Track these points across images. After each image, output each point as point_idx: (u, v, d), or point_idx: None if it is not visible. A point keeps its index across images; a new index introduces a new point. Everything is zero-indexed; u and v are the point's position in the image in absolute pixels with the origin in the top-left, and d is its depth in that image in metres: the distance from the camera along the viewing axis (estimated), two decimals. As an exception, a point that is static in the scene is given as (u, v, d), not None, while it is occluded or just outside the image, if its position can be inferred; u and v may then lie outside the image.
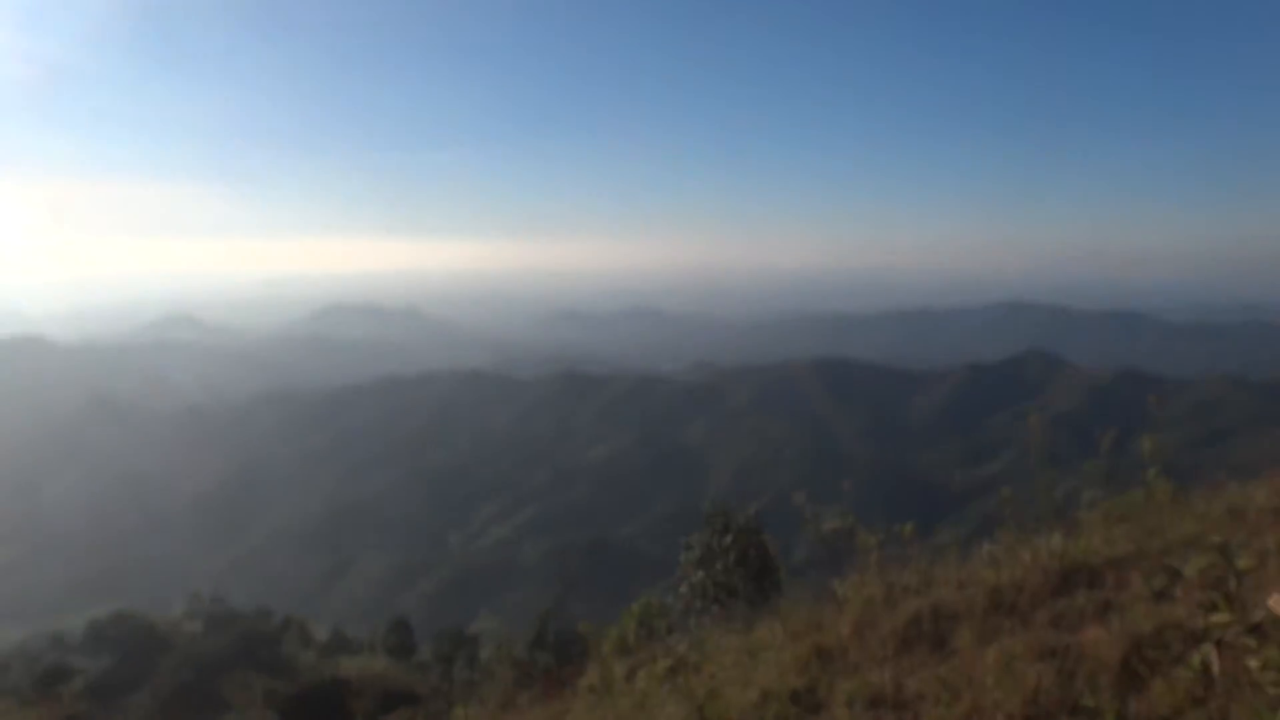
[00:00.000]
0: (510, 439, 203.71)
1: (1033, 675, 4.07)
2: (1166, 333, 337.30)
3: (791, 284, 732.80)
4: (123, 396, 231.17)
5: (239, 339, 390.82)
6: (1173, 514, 5.89)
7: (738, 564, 14.18)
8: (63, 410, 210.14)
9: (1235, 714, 3.24)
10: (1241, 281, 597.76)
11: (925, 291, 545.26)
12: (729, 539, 14.49)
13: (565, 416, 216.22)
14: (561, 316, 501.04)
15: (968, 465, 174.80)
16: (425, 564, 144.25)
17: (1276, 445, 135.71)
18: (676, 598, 15.50)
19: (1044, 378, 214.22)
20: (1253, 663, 3.15)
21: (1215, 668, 3.25)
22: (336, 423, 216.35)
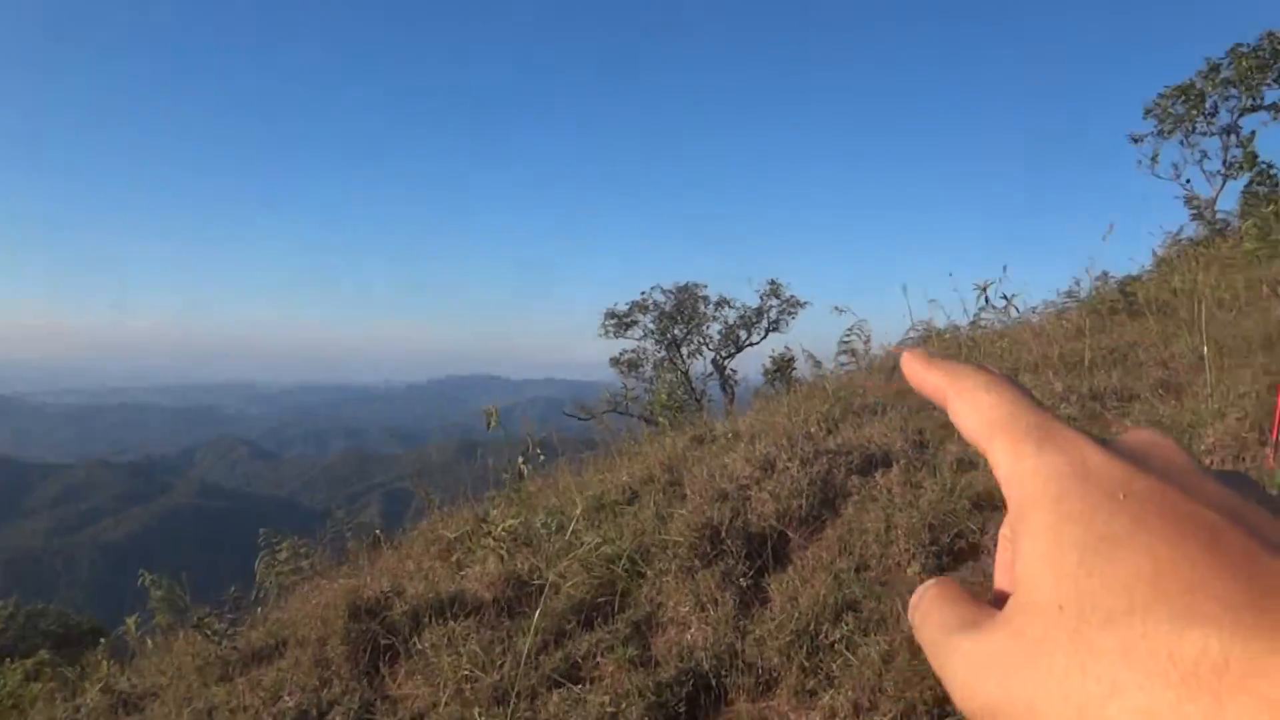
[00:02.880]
0: None
1: None
2: (42, 417, 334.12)
3: None
4: None
5: None
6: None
7: None
8: None
9: None
10: (108, 366, 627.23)
11: None
12: None
13: None
14: None
15: None
16: None
17: (152, 521, 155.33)
18: None
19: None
20: None
21: None
22: None
